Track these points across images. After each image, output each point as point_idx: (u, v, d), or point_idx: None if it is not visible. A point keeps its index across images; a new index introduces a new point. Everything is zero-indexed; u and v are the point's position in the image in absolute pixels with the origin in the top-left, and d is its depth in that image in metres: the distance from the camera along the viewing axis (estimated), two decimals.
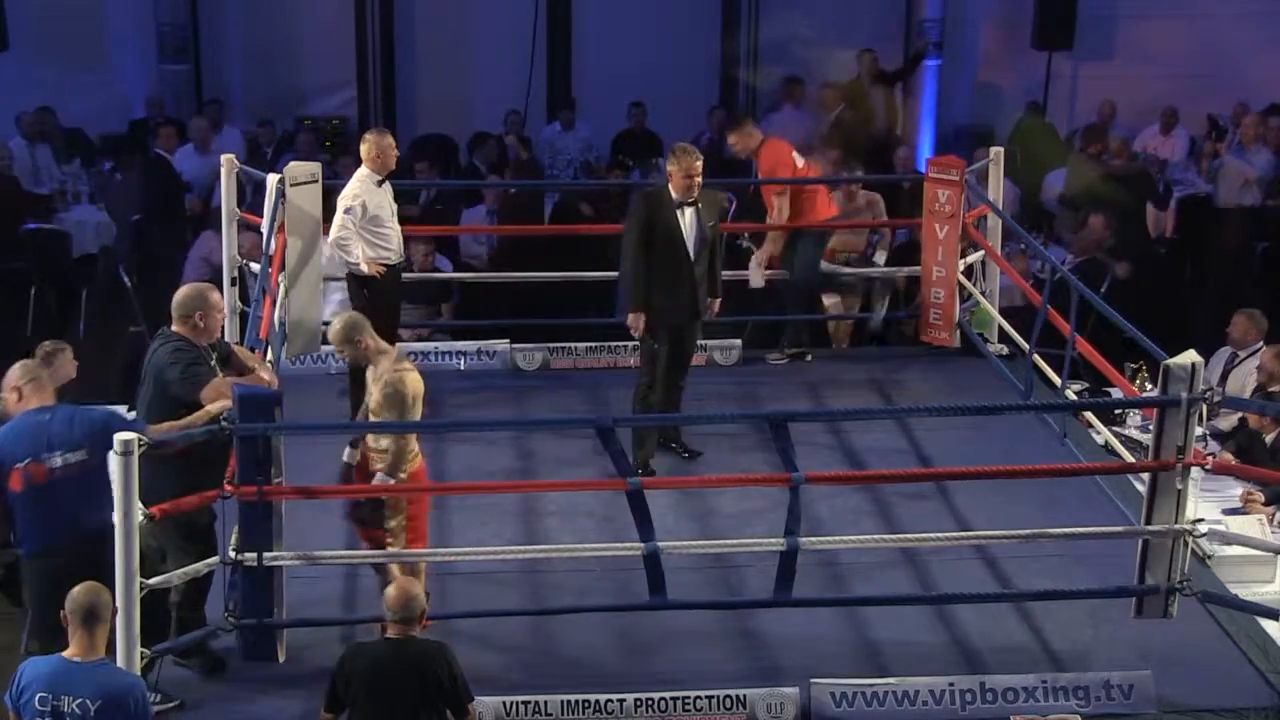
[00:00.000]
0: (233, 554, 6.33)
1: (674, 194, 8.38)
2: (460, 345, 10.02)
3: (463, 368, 9.90)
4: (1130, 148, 13.70)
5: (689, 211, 8.39)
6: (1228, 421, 9.07)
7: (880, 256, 10.61)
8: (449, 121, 15.11)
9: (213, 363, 6.63)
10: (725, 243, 9.02)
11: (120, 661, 6.01)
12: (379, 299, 8.65)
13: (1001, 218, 9.80)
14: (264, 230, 8.90)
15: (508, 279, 10.92)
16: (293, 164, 9.25)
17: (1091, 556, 7.36)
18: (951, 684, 6.61)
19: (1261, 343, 9.38)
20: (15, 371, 6.60)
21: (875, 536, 7.55)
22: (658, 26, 15.47)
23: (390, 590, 6.04)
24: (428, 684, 5.88)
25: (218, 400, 6.37)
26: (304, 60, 15.41)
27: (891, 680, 6.63)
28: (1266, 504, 8.17)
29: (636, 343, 8.64)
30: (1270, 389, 8.92)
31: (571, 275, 10.25)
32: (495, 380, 9.81)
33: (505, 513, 8.03)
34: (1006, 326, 9.73)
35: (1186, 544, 6.74)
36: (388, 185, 8.78)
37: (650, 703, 6.50)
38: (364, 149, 8.75)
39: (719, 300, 8.69)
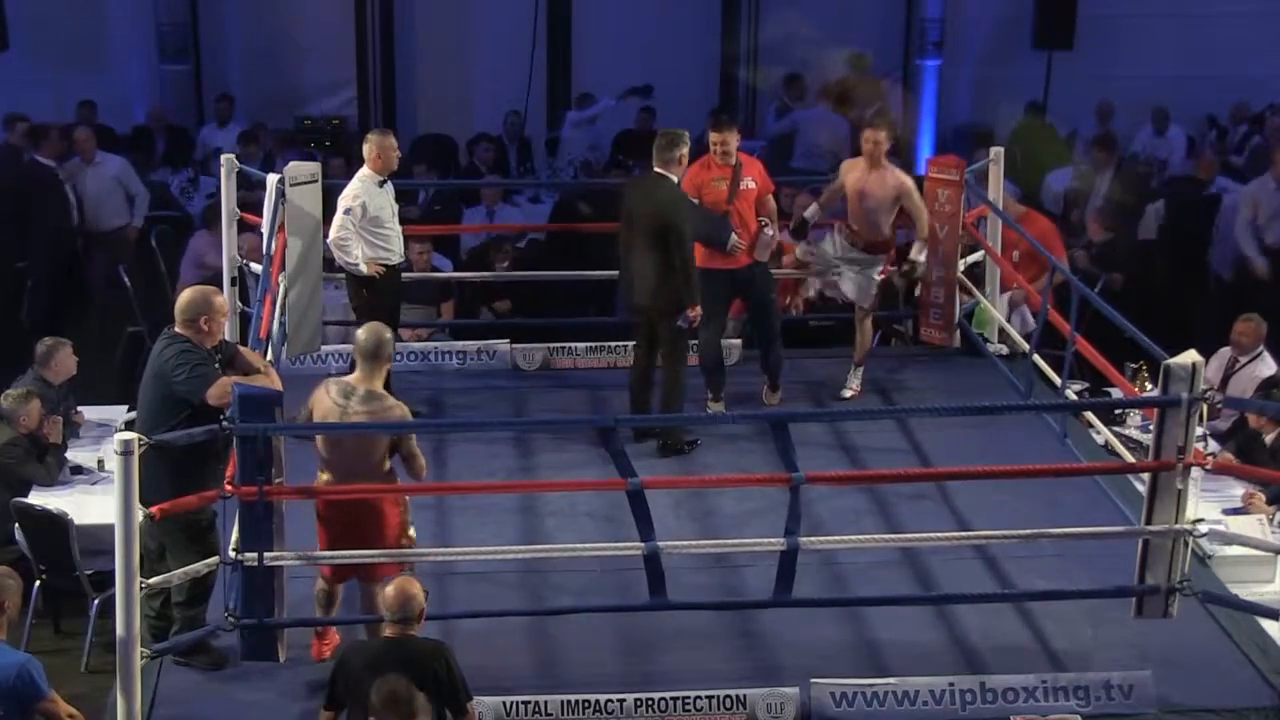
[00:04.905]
0: (233, 554, 6.33)
1: (676, 178, 8.53)
2: (460, 345, 10.03)
3: (462, 367, 9.90)
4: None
5: None
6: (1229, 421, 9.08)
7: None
8: (449, 121, 15.12)
9: (216, 364, 6.64)
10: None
11: (120, 661, 6.03)
12: (378, 299, 8.65)
13: (1002, 217, 9.80)
14: (264, 230, 8.91)
15: (508, 279, 10.94)
16: (293, 164, 9.27)
17: (1091, 556, 7.35)
18: (951, 684, 6.61)
19: (1262, 347, 9.38)
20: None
21: (875, 536, 7.55)
22: (658, 26, 15.49)
23: (389, 590, 6.04)
24: (426, 683, 5.88)
25: (224, 400, 6.37)
26: (304, 60, 15.43)
27: (891, 680, 6.63)
28: (1268, 504, 8.17)
29: (670, 336, 8.64)
30: (1274, 389, 8.93)
31: (571, 275, 10.26)
32: (495, 380, 9.81)
33: (505, 513, 8.02)
34: (1007, 326, 9.74)
35: (1186, 544, 6.73)
36: (389, 186, 8.77)
37: (650, 703, 6.50)
38: (365, 149, 8.75)
39: None
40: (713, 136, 8.90)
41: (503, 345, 9.96)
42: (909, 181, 9.23)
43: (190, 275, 10.88)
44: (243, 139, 13.54)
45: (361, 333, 6.74)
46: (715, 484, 8.21)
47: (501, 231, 11.84)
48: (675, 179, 8.52)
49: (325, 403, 6.62)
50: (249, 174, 9.91)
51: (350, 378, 6.71)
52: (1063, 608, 7.21)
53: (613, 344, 9.85)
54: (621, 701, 6.49)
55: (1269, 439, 8.56)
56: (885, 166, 9.17)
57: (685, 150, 8.53)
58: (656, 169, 8.54)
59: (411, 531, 6.78)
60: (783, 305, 10.10)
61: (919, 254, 9.28)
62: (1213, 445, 8.61)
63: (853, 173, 9.25)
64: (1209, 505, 7.79)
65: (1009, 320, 9.96)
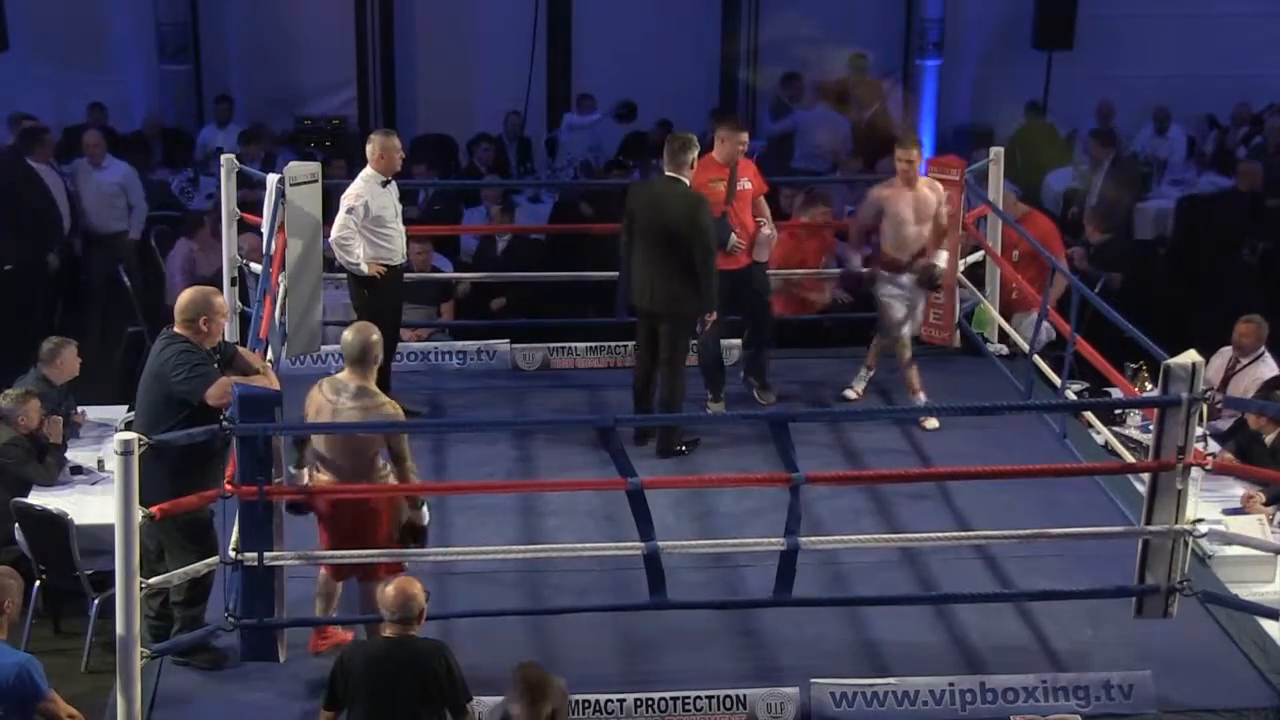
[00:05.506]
0: (233, 554, 6.33)
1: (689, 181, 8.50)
2: (460, 345, 10.03)
3: (462, 367, 9.90)
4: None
5: None
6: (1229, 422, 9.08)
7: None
8: (449, 121, 15.12)
9: (215, 364, 6.64)
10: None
11: (120, 661, 6.03)
12: (380, 300, 8.64)
13: (1001, 217, 9.80)
14: (264, 230, 8.91)
15: (507, 279, 10.94)
16: (293, 164, 9.28)
17: (1091, 556, 7.36)
18: (951, 684, 6.61)
19: (1263, 348, 9.37)
20: None
21: (875, 536, 7.55)
22: (658, 26, 15.49)
23: (389, 590, 6.04)
24: (426, 682, 5.89)
25: (224, 400, 6.37)
26: (304, 60, 15.42)
27: (891, 680, 6.63)
28: (1267, 504, 8.17)
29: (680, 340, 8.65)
30: (1275, 390, 8.92)
31: (571, 275, 10.25)
32: (495, 380, 9.81)
33: (505, 513, 8.03)
34: (1006, 327, 9.74)
35: (1186, 544, 6.73)
36: (393, 186, 8.76)
37: (650, 703, 6.51)
38: (369, 149, 8.74)
39: None
40: (738, 137, 8.82)
41: (503, 345, 9.97)
42: (945, 192, 9.20)
43: (178, 283, 10.83)
44: (243, 139, 13.52)
45: (348, 334, 6.71)
46: (715, 484, 8.21)
47: (501, 232, 11.85)
48: (688, 182, 8.50)
49: (318, 400, 6.63)
50: (249, 174, 9.91)
51: (341, 375, 6.71)
52: (1063, 608, 7.21)
53: (612, 344, 9.86)
54: (621, 701, 6.49)
55: (1269, 439, 8.56)
56: (922, 183, 9.12)
57: (696, 153, 8.51)
58: (669, 172, 8.52)
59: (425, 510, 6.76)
60: (807, 304, 10.12)
61: (942, 260, 9.17)
62: (1213, 445, 8.61)
63: (888, 196, 9.10)
64: (1209, 505, 7.79)
65: (1034, 334, 9.62)
